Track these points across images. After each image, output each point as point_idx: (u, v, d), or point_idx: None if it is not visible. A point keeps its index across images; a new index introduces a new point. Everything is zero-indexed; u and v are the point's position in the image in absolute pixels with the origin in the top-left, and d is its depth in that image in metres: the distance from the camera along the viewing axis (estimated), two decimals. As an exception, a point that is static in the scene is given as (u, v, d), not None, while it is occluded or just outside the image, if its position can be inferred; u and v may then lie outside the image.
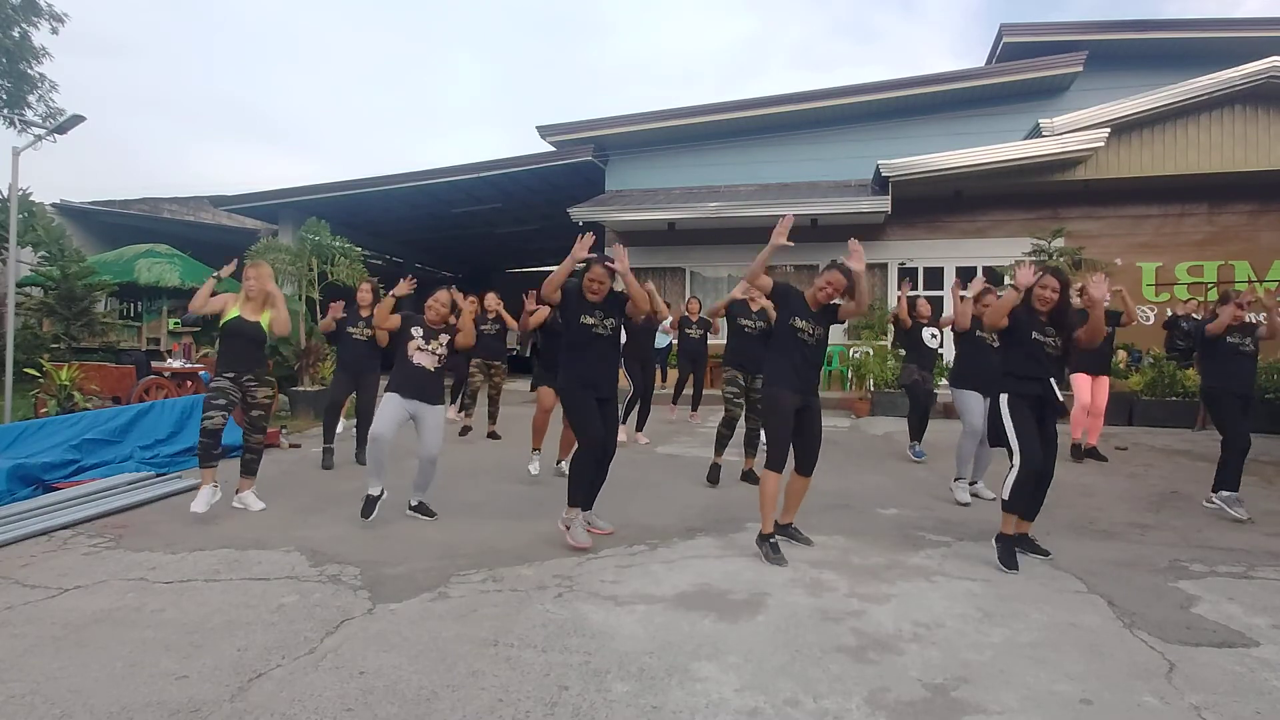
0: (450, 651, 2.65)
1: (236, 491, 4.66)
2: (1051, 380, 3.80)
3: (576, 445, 4.07)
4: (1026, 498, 3.77)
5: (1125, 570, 3.63)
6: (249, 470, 4.68)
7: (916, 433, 6.59)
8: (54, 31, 15.22)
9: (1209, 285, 10.86)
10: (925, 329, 6.61)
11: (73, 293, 10.70)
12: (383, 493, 4.36)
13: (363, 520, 4.32)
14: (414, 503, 4.47)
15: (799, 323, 3.88)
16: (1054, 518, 4.59)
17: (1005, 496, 3.75)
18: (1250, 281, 10.92)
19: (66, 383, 7.06)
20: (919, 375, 6.53)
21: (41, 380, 7.33)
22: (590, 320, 3.99)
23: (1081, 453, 6.48)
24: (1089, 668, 2.59)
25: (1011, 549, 3.68)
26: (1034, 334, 3.81)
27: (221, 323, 4.57)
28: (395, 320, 4.52)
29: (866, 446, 7.46)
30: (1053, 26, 12.57)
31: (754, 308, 5.58)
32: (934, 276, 12.12)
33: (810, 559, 3.74)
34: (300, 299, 10.82)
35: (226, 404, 4.51)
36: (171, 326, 13.42)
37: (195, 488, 5.11)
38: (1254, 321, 5.12)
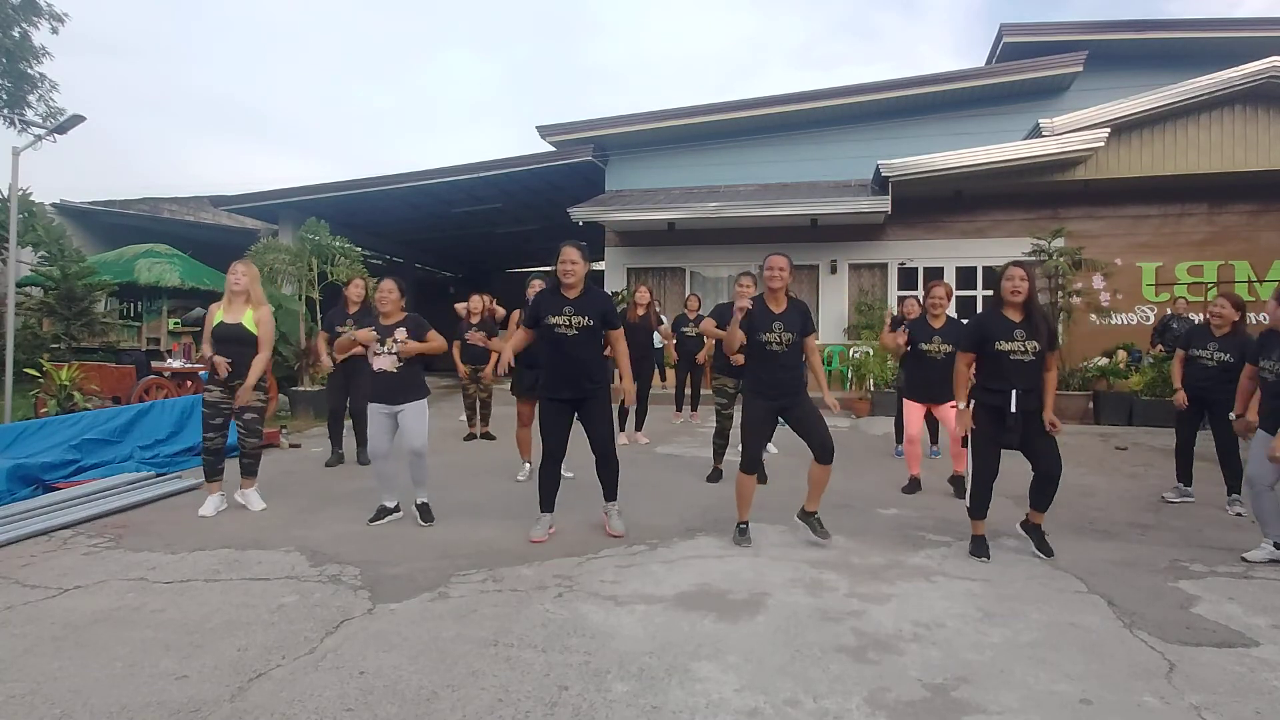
0: (450, 651, 2.65)
1: (240, 488, 4.67)
2: (1015, 391, 3.61)
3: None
4: (983, 505, 3.81)
5: (1125, 570, 3.63)
6: (248, 472, 4.68)
7: (899, 435, 6.85)
8: (54, 31, 15.23)
9: (1209, 285, 10.85)
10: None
11: (73, 293, 10.70)
12: (397, 507, 4.38)
13: (363, 521, 4.34)
14: (417, 501, 4.42)
15: (764, 335, 3.90)
16: (1054, 518, 4.58)
17: (968, 504, 3.89)
18: (1250, 282, 10.92)
19: (66, 383, 7.05)
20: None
21: (41, 380, 7.33)
22: (555, 320, 3.90)
23: (914, 484, 5.40)
24: (1089, 668, 2.59)
25: (982, 543, 3.82)
26: (999, 343, 3.66)
27: (209, 331, 4.57)
28: (354, 342, 4.47)
29: (866, 446, 7.46)
30: (1053, 26, 12.54)
31: (740, 317, 5.53)
32: (934, 276, 12.06)
33: (810, 559, 3.74)
34: (300, 299, 10.81)
35: (224, 422, 4.54)
36: (171, 326, 13.41)
37: (194, 488, 5.14)
38: (1232, 329, 4.96)
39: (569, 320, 3.90)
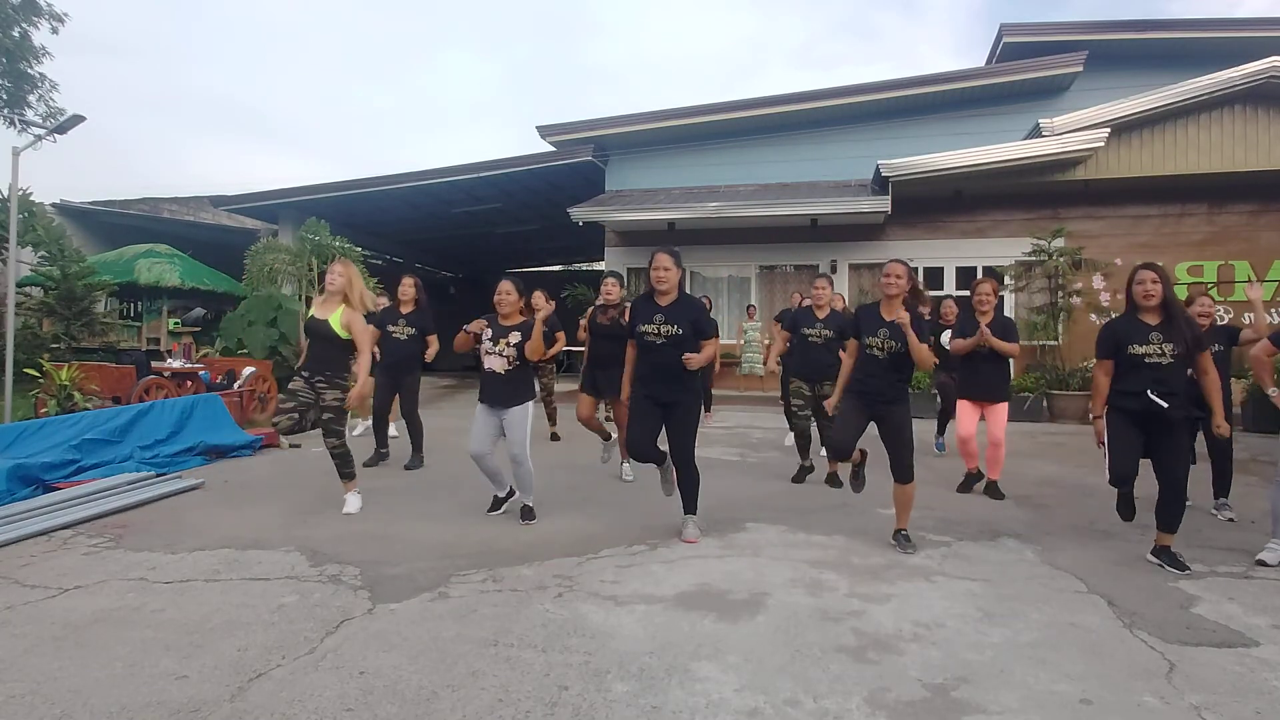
0: (450, 651, 2.65)
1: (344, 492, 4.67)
2: (1151, 393, 3.49)
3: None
4: (1124, 508, 3.82)
5: (1125, 570, 3.63)
6: (343, 476, 4.65)
7: (940, 428, 6.98)
8: (54, 31, 15.23)
9: (1208, 285, 10.86)
10: (944, 332, 6.64)
11: (73, 293, 10.71)
12: (510, 492, 4.46)
13: (364, 521, 4.34)
14: (525, 502, 4.45)
15: (868, 339, 3.95)
16: (1054, 518, 4.60)
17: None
18: (1250, 282, 10.92)
19: (66, 383, 7.05)
20: (945, 377, 6.69)
21: (41, 380, 7.33)
22: (645, 328, 3.92)
23: (972, 483, 5.42)
24: (1089, 668, 2.59)
25: (1128, 502, 3.86)
26: (1131, 347, 3.58)
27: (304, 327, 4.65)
28: (465, 339, 4.44)
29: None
30: (1053, 26, 12.55)
31: (820, 315, 5.52)
32: (934, 276, 12.12)
33: (810, 559, 3.74)
34: (300, 299, 10.82)
35: (294, 406, 4.50)
36: (171, 326, 13.43)
37: (195, 487, 5.15)
38: (1211, 321, 4.89)
39: (658, 329, 3.89)
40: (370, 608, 3.05)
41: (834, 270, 12.37)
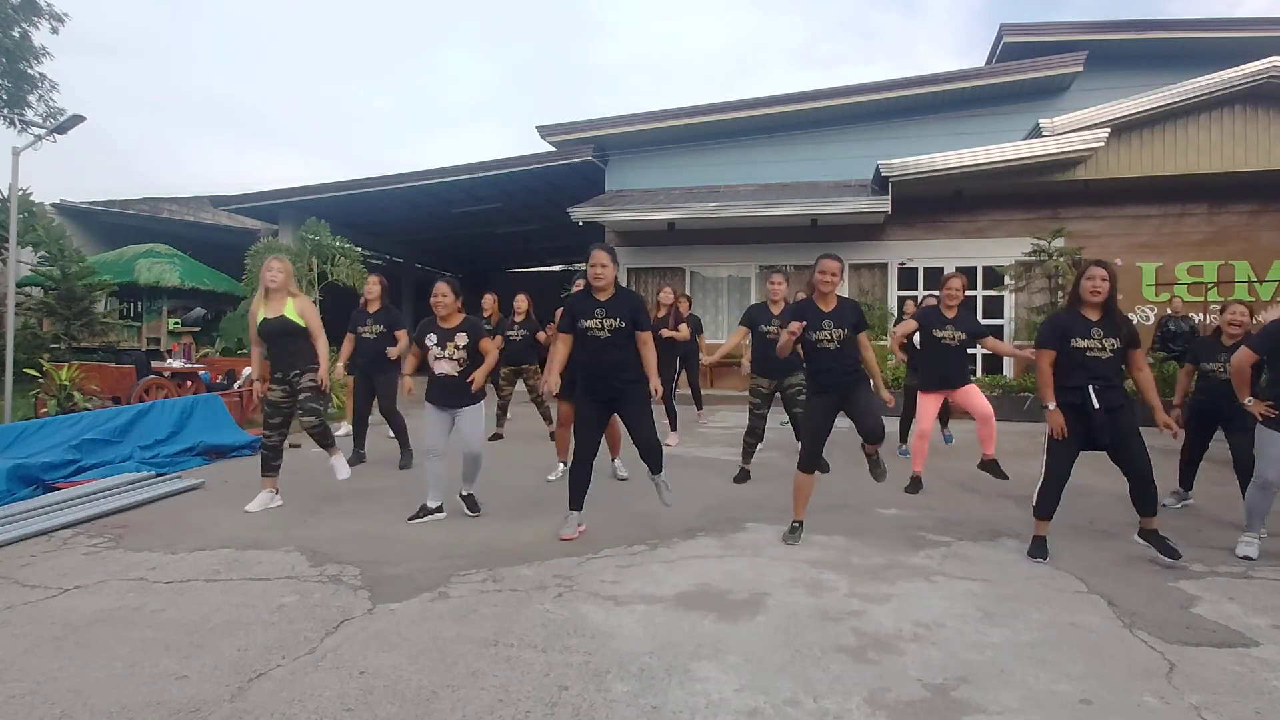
0: (450, 651, 2.65)
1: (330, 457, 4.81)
2: (1092, 388, 3.59)
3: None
4: (1049, 505, 3.81)
5: (1125, 570, 3.63)
6: (323, 446, 4.77)
7: (904, 434, 6.92)
8: (54, 31, 15.21)
9: (1209, 285, 10.86)
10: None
11: (73, 293, 10.72)
12: (440, 508, 4.41)
13: (364, 520, 4.34)
14: (463, 492, 4.46)
15: (815, 334, 3.98)
16: (1054, 517, 4.58)
17: (1034, 502, 3.87)
18: (1250, 282, 10.92)
19: (66, 383, 7.06)
20: (913, 380, 6.71)
21: (41, 380, 7.34)
22: (588, 323, 3.95)
23: (916, 483, 5.38)
24: (1089, 668, 2.59)
25: (1040, 544, 3.83)
26: (1074, 340, 3.66)
27: (254, 333, 4.61)
28: (405, 349, 4.54)
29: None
30: (1053, 26, 12.53)
31: (775, 311, 5.54)
32: (934, 276, 12.09)
33: (810, 559, 3.75)
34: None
35: (282, 421, 4.57)
36: (171, 326, 13.43)
37: (194, 487, 5.16)
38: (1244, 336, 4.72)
39: (601, 323, 3.92)
40: (370, 608, 3.05)
41: (834, 270, 12.35)
